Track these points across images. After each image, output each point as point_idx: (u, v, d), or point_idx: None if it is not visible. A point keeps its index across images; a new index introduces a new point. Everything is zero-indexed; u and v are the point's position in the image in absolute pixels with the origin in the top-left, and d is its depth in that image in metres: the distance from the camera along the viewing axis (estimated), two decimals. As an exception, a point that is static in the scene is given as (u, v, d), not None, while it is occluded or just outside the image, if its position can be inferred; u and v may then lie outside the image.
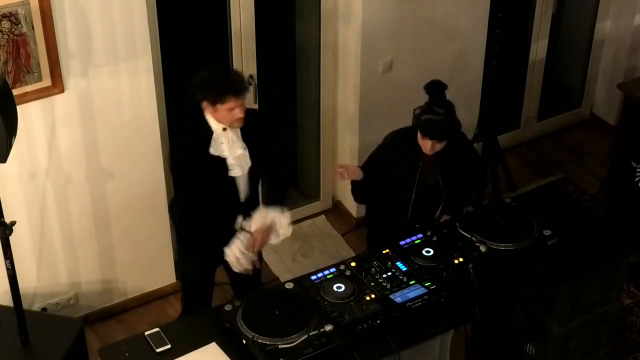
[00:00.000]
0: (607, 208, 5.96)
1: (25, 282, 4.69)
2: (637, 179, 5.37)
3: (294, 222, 5.77)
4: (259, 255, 4.36)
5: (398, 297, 3.77)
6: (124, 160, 4.79)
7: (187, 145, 4.12)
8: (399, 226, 4.47)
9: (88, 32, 4.39)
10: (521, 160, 6.49)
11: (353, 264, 3.95)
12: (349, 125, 5.61)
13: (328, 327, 3.58)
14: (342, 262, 3.98)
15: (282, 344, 3.52)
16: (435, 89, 4.31)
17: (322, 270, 3.93)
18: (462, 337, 4.36)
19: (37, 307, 4.90)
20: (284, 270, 5.35)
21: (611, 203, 5.93)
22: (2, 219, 3.75)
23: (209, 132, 4.04)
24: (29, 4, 4.18)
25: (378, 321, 3.68)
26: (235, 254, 4.12)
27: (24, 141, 4.44)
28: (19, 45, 4.27)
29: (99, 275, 5.05)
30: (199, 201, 4.10)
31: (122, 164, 4.79)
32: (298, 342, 3.54)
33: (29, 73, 4.35)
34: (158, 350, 3.64)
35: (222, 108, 3.94)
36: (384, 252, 4.01)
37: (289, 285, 3.85)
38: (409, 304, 3.75)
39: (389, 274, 3.89)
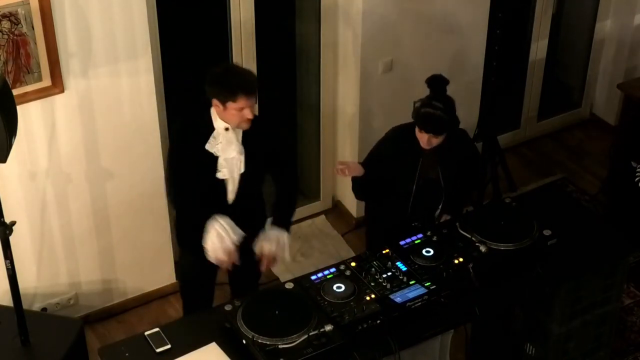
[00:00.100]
0: (607, 208, 5.96)
1: (25, 282, 4.69)
2: (637, 179, 5.37)
3: (294, 222, 5.80)
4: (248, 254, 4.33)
5: (398, 297, 3.77)
6: (124, 160, 4.79)
7: (185, 136, 4.08)
8: (399, 224, 4.48)
9: (88, 32, 4.39)
10: (521, 160, 6.49)
11: (353, 264, 3.95)
12: (349, 125, 5.61)
13: (328, 327, 3.58)
14: (342, 262, 3.98)
15: (282, 344, 3.52)
16: (437, 83, 4.31)
17: (322, 270, 3.93)
18: (462, 337, 4.36)
19: (37, 307, 4.90)
20: (284, 270, 5.35)
21: (611, 203, 5.93)
22: (2, 219, 3.75)
23: (210, 128, 4.02)
24: (29, 4, 4.18)
25: (378, 321, 3.68)
26: (213, 240, 4.01)
27: (24, 141, 4.44)
28: (19, 45, 4.27)
29: (99, 275, 5.05)
30: (189, 194, 4.07)
31: (122, 164, 4.79)
32: (298, 342, 3.54)
33: (29, 73, 4.35)
34: (158, 350, 3.64)
35: (232, 107, 3.90)
36: (384, 252, 4.01)
37: (289, 285, 3.85)
38: (409, 304, 3.75)
39: (389, 274, 3.89)
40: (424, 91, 4.36)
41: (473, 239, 4.07)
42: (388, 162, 4.43)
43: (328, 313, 3.68)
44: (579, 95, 6.90)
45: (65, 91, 4.46)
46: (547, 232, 4.12)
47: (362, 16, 5.18)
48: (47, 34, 4.27)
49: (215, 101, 3.94)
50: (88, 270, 5.00)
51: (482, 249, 4.01)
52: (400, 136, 4.44)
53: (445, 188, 4.47)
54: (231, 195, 4.14)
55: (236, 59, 5.19)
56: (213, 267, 4.38)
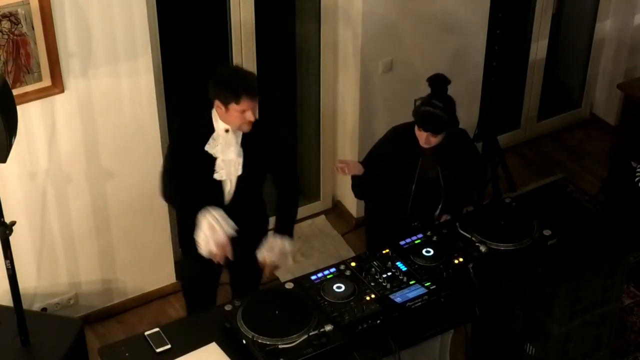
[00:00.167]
0: (607, 208, 5.96)
1: (25, 282, 4.69)
2: (637, 179, 5.37)
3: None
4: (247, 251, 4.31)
5: (398, 297, 3.77)
6: (124, 160, 4.79)
7: (184, 135, 4.07)
8: (398, 224, 4.48)
9: (88, 32, 4.39)
10: (521, 160, 6.49)
11: (353, 264, 3.95)
12: (349, 125, 5.61)
13: (328, 327, 3.58)
14: (342, 262, 3.98)
15: (282, 344, 3.52)
16: (438, 82, 4.31)
17: (322, 270, 3.93)
18: (462, 337, 4.36)
19: (37, 307, 4.90)
20: (284, 270, 5.34)
21: (611, 203, 5.93)
22: (2, 219, 3.75)
23: (209, 129, 4.02)
24: (29, 4, 4.18)
25: (378, 321, 3.68)
26: (205, 232, 3.98)
27: (24, 141, 4.44)
28: (19, 45, 4.27)
29: (99, 275, 5.05)
30: (187, 194, 4.05)
31: (122, 164, 4.79)
32: (298, 342, 3.54)
33: (29, 73, 4.35)
34: (158, 350, 3.64)
35: (234, 109, 3.89)
36: (384, 252, 4.01)
37: (289, 285, 3.84)
38: (409, 304, 3.75)
39: (389, 274, 3.89)
40: (424, 91, 4.36)
41: (473, 239, 4.07)
42: (388, 161, 4.43)
43: (328, 313, 3.68)
44: (579, 95, 6.90)
45: (65, 91, 4.46)
46: (547, 232, 4.12)
47: (362, 16, 5.18)
48: (47, 34, 4.27)
49: (217, 102, 3.93)
50: (88, 270, 5.00)
51: (482, 249, 4.01)
52: (400, 135, 4.44)
53: (445, 188, 4.47)
54: (228, 196, 4.14)
55: (236, 59, 5.19)
56: (215, 269, 4.38)
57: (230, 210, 4.11)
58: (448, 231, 4.14)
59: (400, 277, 3.87)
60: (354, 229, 5.81)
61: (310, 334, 3.56)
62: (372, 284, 3.83)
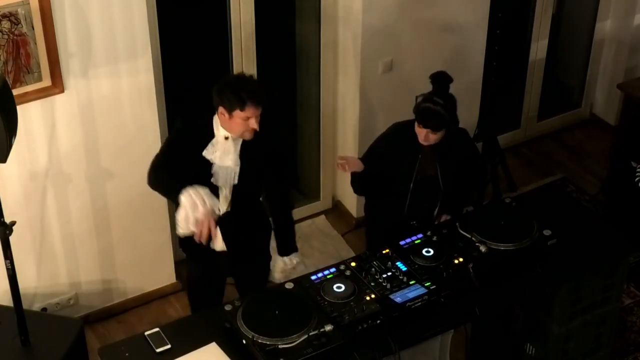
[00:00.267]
0: (607, 208, 5.96)
1: (25, 282, 4.69)
2: (637, 179, 5.37)
3: (294, 222, 5.80)
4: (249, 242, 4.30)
5: (398, 297, 3.77)
6: (124, 160, 4.79)
7: (184, 137, 4.04)
8: (398, 223, 4.48)
9: (88, 32, 4.39)
10: (521, 160, 6.49)
11: (353, 264, 3.95)
12: (349, 125, 5.61)
13: (328, 327, 3.58)
14: (342, 262, 3.97)
15: (282, 344, 3.52)
16: (440, 80, 4.32)
17: (322, 270, 3.93)
18: (462, 337, 4.36)
19: (37, 307, 4.90)
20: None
21: (611, 203, 5.93)
22: (2, 219, 3.75)
23: (209, 135, 4.00)
24: (29, 4, 4.18)
25: (378, 321, 3.68)
26: (186, 209, 3.89)
27: (24, 141, 4.44)
28: (19, 45, 4.27)
29: (99, 275, 5.05)
30: (174, 180, 3.97)
31: (122, 164, 4.79)
32: (298, 342, 3.54)
33: (29, 73, 4.35)
34: (158, 350, 3.64)
35: (239, 115, 3.87)
36: (384, 252, 4.01)
37: (289, 285, 3.84)
38: (409, 304, 3.75)
39: (389, 274, 3.89)
40: (424, 91, 4.36)
41: (473, 239, 4.07)
42: (387, 157, 4.44)
43: (328, 313, 3.68)
44: (579, 95, 6.90)
45: (65, 91, 4.46)
46: (547, 232, 4.12)
47: (362, 16, 5.18)
48: (47, 34, 4.27)
49: (221, 109, 3.91)
50: (88, 270, 5.00)
51: (482, 249, 4.01)
52: (401, 132, 4.45)
53: (444, 187, 4.47)
54: (223, 204, 4.10)
55: (236, 59, 5.19)
56: (215, 275, 4.37)
57: (229, 218, 4.11)
58: (448, 231, 4.14)
59: (400, 277, 3.87)
60: (354, 229, 5.81)
61: (310, 334, 3.56)
62: (372, 284, 3.83)
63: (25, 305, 4.09)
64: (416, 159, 4.41)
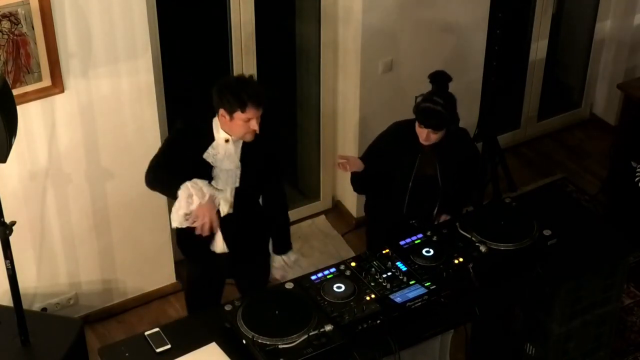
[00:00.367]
0: (607, 208, 5.96)
1: (25, 282, 4.69)
2: (637, 179, 5.37)
3: (294, 222, 5.81)
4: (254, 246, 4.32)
5: (398, 297, 3.77)
6: (124, 160, 4.79)
7: (185, 139, 4.03)
8: (397, 223, 4.48)
9: (88, 32, 4.39)
10: (521, 160, 6.49)
11: (353, 264, 3.95)
12: (349, 125, 5.61)
13: (328, 327, 3.58)
14: (342, 262, 3.97)
15: (282, 344, 3.52)
16: (439, 79, 4.32)
17: (322, 270, 3.93)
18: (462, 337, 4.36)
19: (37, 307, 4.90)
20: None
21: (611, 203, 5.93)
22: (2, 219, 3.75)
23: (210, 138, 3.99)
24: (29, 4, 4.18)
25: (378, 321, 3.68)
26: (180, 201, 3.89)
27: (24, 141, 4.44)
28: (19, 45, 4.27)
29: (99, 275, 5.05)
30: (174, 177, 3.95)
31: (122, 164, 4.79)
32: (298, 342, 3.54)
33: (29, 73, 4.35)
34: (158, 350, 3.64)
35: (239, 117, 3.86)
36: (384, 252, 4.01)
37: (289, 285, 3.84)
38: (409, 304, 3.75)
39: (389, 274, 3.89)
40: (424, 91, 4.36)
41: (473, 239, 4.07)
42: (387, 156, 4.44)
43: (328, 313, 3.68)
44: (579, 95, 6.90)
45: (65, 91, 4.46)
46: (547, 232, 4.12)
47: (362, 16, 5.18)
48: (47, 34, 4.27)
49: (222, 111, 3.90)
50: (88, 270, 5.00)
51: (482, 249, 4.01)
52: (400, 131, 4.45)
53: (443, 186, 4.47)
54: (225, 206, 4.09)
55: (236, 59, 5.19)
56: (213, 277, 4.37)
57: (231, 220, 4.11)
58: (448, 231, 4.14)
59: (400, 277, 3.87)
60: (354, 229, 5.81)
61: (310, 334, 3.56)
62: (372, 284, 3.83)
63: (25, 305, 4.09)
64: (415, 159, 4.41)
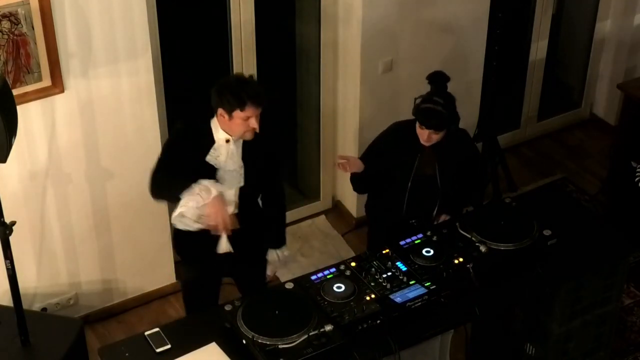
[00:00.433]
0: (607, 208, 5.96)
1: (25, 282, 4.69)
2: (637, 179, 5.37)
3: (294, 222, 5.81)
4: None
5: (398, 297, 3.77)
6: (124, 160, 4.79)
7: (185, 143, 4.02)
8: (397, 223, 4.48)
9: (88, 32, 4.39)
10: (521, 160, 6.49)
11: (353, 264, 3.95)
12: (349, 125, 5.61)
13: (328, 327, 3.58)
14: (342, 262, 3.98)
15: (282, 344, 3.52)
16: (438, 79, 4.32)
17: (322, 270, 3.93)
18: (462, 337, 4.36)
19: (37, 307, 4.90)
20: (284, 270, 5.34)
21: (611, 203, 5.93)
22: (2, 219, 3.75)
23: (210, 140, 3.98)
24: (29, 4, 4.18)
25: (378, 321, 3.68)
26: (188, 204, 3.90)
27: (24, 141, 4.44)
28: (19, 45, 4.27)
29: (99, 275, 5.05)
30: (179, 179, 3.94)
31: (122, 164, 4.79)
32: (298, 342, 3.54)
33: (29, 73, 4.35)
34: (158, 350, 3.64)
35: (239, 116, 3.86)
36: (384, 252, 4.01)
37: (289, 285, 3.84)
38: (409, 304, 3.75)
39: (389, 274, 3.89)
40: (424, 91, 4.36)
41: (473, 239, 4.07)
42: (386, 156, 4.45)
43: (328, 313, 3.68)
44: (579, 95, 6.90)
45: (65, 91, 4.46)
46: (547, 232, 4.12)
47: (362, 16, 5.18)
48: (47, 34, 4.27)
49: (220, 110, 3.90)
50: (88, 270, 5.00)
51: (482, 249, 4.01)
52: (400, 131, 4.45)
53: (442, 187, 4.47)
54: (230, 207, 4.07)
55: (236, 59, 5.19)
56: (211, 277, 4.37)
57: (237, 219, 4.11)
58: (448, 231, 4.14)
59: (400, 277, 3.87)
60: (354, 229, 5.81)
61: (310, 334, 3.56)
62: (372, 284, 3.83)
63: (25, 305, 4.09)
64: (415, 159, 4.41)
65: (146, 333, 3.72)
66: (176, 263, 5.21)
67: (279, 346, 3.52)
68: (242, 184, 4.06)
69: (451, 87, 4.37)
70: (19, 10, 4.18)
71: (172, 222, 4.04)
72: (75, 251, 4.91)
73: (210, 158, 3.99)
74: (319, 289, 3.81)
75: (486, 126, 5.72)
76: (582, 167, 6.45)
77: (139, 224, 5.00)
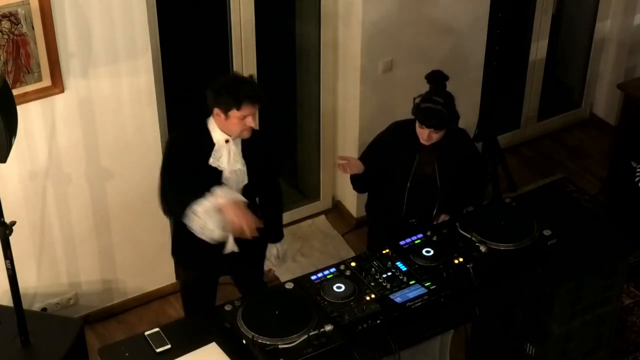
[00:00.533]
0: (607, 208, 5.96)
1: (25, 282, 4.69)
2: (637, 179, 5.37)
3: (294, 222, 5.81)
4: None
5: (398, 297, 3.77)
6: (124, 160, 4.79)
7: (186, 150, 4.01)
8: (397, 223, 4.48)
9: (88, 32, 4.39)
10: (521, 160, 6.49)
11: (353, 264, 3.95)
12: (349, 125, 5.61)
13: (328, 327, 3.58)
14: (342, 262, 3.98)
15: (282, 344, 3.52)
16: (437, 78, 4.32)
17: (322, 270, 3.93)
18: (462, 337, 4.36)
19: (37, 307, 4.90)
20: (284, 270, 5.35)
21: (611, 203, 5.93)
22: (2, 219, 3.75)
23: (209, 143, 3.98)
24: (29, 4, 4.18)
25: (378, 321, 3.68)
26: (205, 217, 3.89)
27: (24, 141, 4.44)
28: (19, 45, 4.27)
29: (99, 275, 5.05)
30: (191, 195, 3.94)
31: (122, 164, 4.79)
32: (298, 342, 3.54)
33: (29, 73, 4.35)
34: (158, 350, 3.64)
35: (235, 115, 3.85)
36: (384, 252, 4.01)
37: (289, 285, 3.84)
38: (409, 304, 3.75)
39: (389, 274, 3.89)
40: (423, 91, 4.36)
41: (473, 239, 4.07)
42: (386, 155, 4.45)
43: (328, 313, 3.68)
44: (579, 95, 6.90)
45: (65, 91, 4.46)
46: (547, 232, 4.12)
47: (363, 16, 5.18)
48: (47, 34, 4.27)
49: (216, 110, 3.90)
50: (88, 270, 5.00)
51: (482, 249, 4.01)
52: (400, 131, 4.45)
53: (442, 186, 4.47)
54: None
55: (236, 59, 5.19)
56: (211, 279, 4.37)
57: None
58: (448, 231, 4.14)
59: (400, 277, 3.87)
60: (354, 229, 5.81)
61: (310, 334, 3.56)
62: (372, 284, 3.83)
63: (25, 305, 4.09)
64: (414, 158, 4.41)
65: (146, 333, 3.72)
66: (176, 263, 5.21)
67: (279, 346, 3.52)
68: (246, 182, 4.06)
69: (451, 87, 4.37)
70: (19, 10, 4.18)
71: (198, 235, 3.96)
72: (75, 251, 4.91)
73: (213, 161, 3.98)
74: (319, 289, 3.81)
75: (486, 126, 5.72)
76: (582, 167, 6.45)
77: (139, 224, 5.00)
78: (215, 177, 3.99)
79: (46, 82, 4.39)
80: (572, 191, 6.19)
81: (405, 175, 4.44)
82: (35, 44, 4.29)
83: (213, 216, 3.86)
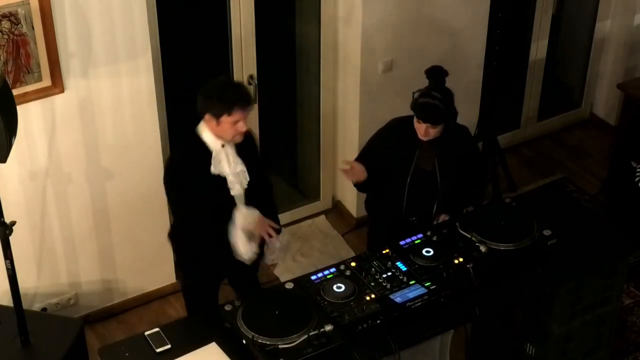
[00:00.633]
0: (607, 208, 5.96)
1: (25, 282, 4.69)
2: (637, 179, 5.37)
3: (294, 222, 5.81)
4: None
5: (398, 297, 3.77)
6: (124, 160, 4.79)
7: (186, 167, 4.00)
8: (397, 221, 4.47)
9: (88, 32, 4.39)
10: (521, 160, 6.49)
11: (353, 264, 3.95)
12: (349, 125, 5.61)
13: (328, 327, 3.58)
14: (342, 262, 3.98)
15: (282, 344, 3.52)
16: (436, 74, 4.32)
17: (322, 270, 3.93)
18: (462, 337, 4.36)
19: (37, 307, 4.90)
20: (284, 270, 5.35)
21: (611, 203, 5.93)
22: (2, 219, 3.75)
23: (207, 152, 3.98)
24: (29, 4, 4.18)
25: (378, 321, 3.68)
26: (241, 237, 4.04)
27: (24, 141, 4.44)
28: (19, 45, 4.27)
29: (99, 275, 5.05)
30: (203, 222, 4.04)
31: (122, 164, 4.79)
32: (298, 342, 3.54)
33: (29, 73, 4.35)
34: (158, 350, 3.64)
35: (227, 120, 3.86)
36: (384, 252, 4.01)
37: (289, 285, 3.85)
38: (409, 304, 3.75)
39: (389, 274, 3.89)
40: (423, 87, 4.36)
41: (473, 239, 4.07)
42: (385, 152, 4.44)
43: (328, 313, 3.68)
44: (579, 95, 6.90)
45: (65, 91, 4.46)
46: (547, 232, 4.12)
47: (362, 16, 5.18)
48: (47, 34, 4.27)
49: (207, 116, 3.90)
50: (88, 270, 5.00)
51: (482, 249, 4.01)
52: (399, 127, 4.45)
53: (441, 183, 4.46)
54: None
55: (236, 59, 5.19)
56: (215, 283, 4.39)
57: None
58: (448, 231, 4.14)
59: (400, 277, 3.87)
60: (354, 229, 5.81)
61: (310, 334, 3.56)
62: (372, 284, 3.83)
63: (25, 305, 4.09)
64: (414, 154, 4.41)
65: (146, 333, 3.72)
66: (176, 263, 5.21)
67: (279, 346, 3.52)
68: (248, 179, 4.08)
69: (451, 87, 4.37)
70: (19, 10, 4.18)
71: (243, 257, 4.08)
72: (75, 251, 4.91)
73: (214, 169, 3.98)
74: (319, 289, 3.81)
75: (486, 126, 5.72)
76: (582, 167, 6.45)
77: (139, 224, 5.00)
78: (221, 185, 4.01)
79: (46, 82, 4.39)
80: (572, 191, 6.19)
81: (405, 172, 4.43)
82: (35, 44, 4.29)
83: (245, 242, 4.01)
